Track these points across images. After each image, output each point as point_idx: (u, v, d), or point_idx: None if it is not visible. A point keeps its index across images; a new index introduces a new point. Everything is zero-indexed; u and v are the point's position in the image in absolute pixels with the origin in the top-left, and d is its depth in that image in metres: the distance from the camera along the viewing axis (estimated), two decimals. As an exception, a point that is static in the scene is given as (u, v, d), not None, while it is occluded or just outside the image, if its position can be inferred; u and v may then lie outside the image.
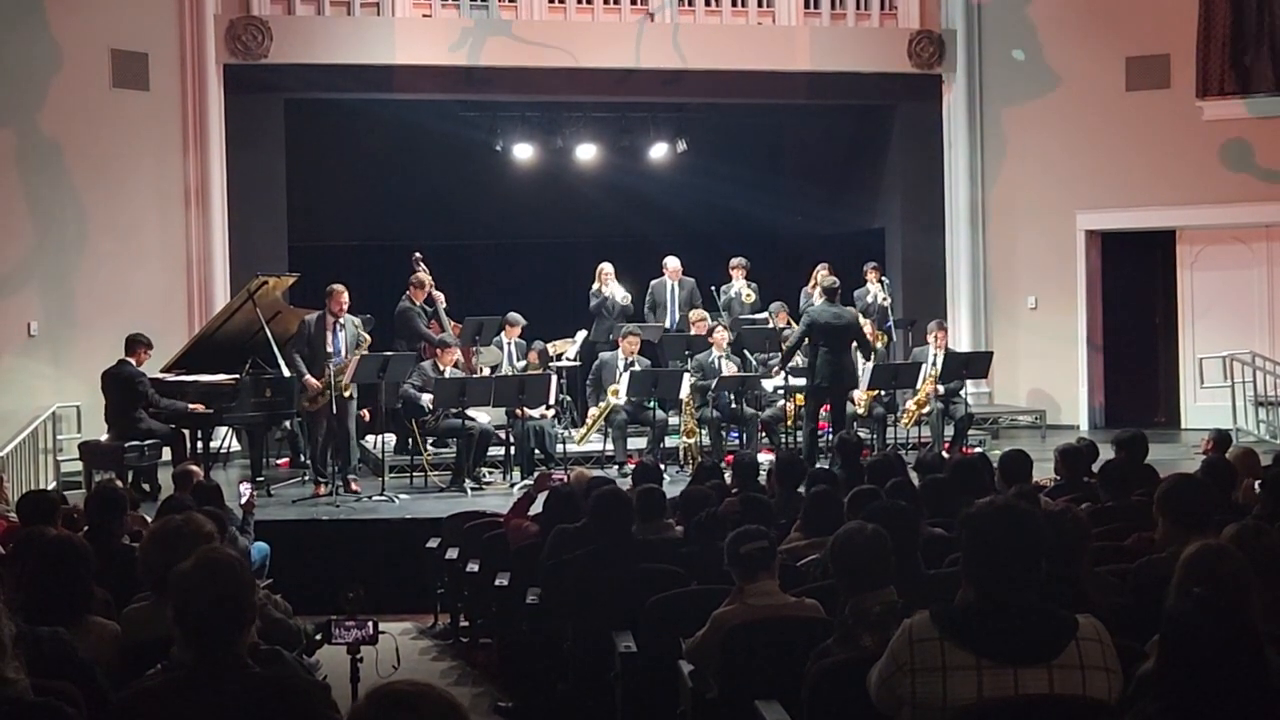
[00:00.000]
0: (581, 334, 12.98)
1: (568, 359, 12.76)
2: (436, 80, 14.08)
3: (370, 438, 11.88)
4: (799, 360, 11.24)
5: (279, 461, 12.32)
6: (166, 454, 10.64)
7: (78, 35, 12.39)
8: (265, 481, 10.80)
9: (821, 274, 12.57)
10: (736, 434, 11.83)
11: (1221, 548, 3.54)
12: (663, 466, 9.98)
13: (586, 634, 5.48)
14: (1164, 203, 14.06)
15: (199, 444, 10.80)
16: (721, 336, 12.13)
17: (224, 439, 12.09)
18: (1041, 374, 14.66)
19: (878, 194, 15.99)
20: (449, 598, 8.21)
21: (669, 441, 11.73)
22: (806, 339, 10.94)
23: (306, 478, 10.93)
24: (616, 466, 11.10)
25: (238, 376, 10.59)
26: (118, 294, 12.50)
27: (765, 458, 10.32)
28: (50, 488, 9.92)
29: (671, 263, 13.49)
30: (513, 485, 10.66)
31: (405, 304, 12.06)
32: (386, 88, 13.99)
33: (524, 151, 15.14)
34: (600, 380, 11.94)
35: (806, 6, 14.52)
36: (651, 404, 11.47)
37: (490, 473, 11.18)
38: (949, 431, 11.89)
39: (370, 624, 4.75)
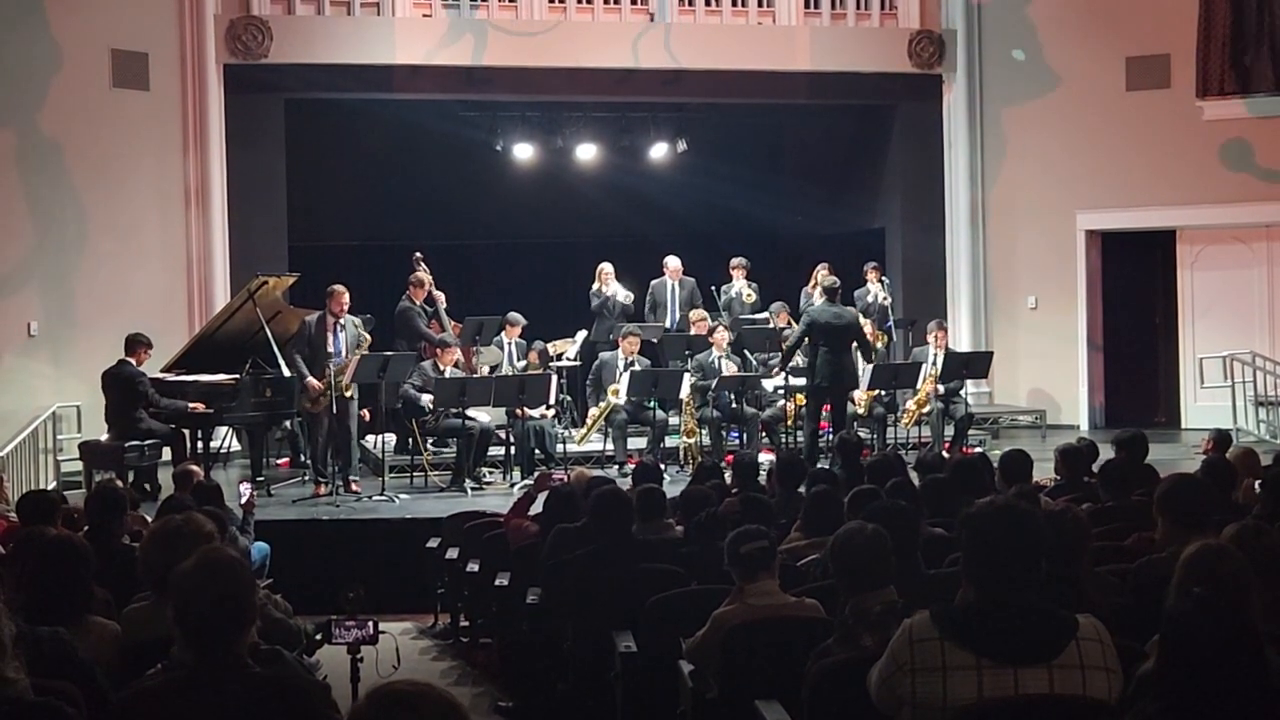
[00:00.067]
0: (582, 334, 12.98)
1: (568, 359, 12.75)
2: (436, 80, 14.07)
3: (370, 438, 11.87)
4: (799, 360, 11.24)
5: (279, 461, 12.32)
6: (167, 454, 10.65)
7: (78, 35, 12.38)
8: (265, 481, 10.80)
9: (822, 274, 12.57)
10: (737, 434, 11.82)
11: (1221, 548, 3.54)
12: (663, 466, 9.98)
13: (586, 634, 5.48)
14: (1164, 203, 14.06)
15: (199, 444, 10.80)
16: (722, 336, 12.12)
17: (224, 439, 12.09)
18: (1041, 374, 14.65)
19: (878, 194, 15.98)
20: (449, 598, 8.21)
21: (669, 441, 11.73)
22: (806, 339, 10.93)
23: (306, 478, 10.93)
24: (616, 466, 11.10)
25: (238, 376, 10.59)
26: (118, 294, 12.49)
27: (765, 458, 10.34)
28: (50, 488, 9.89)
29: (672, 262, 13.48)
30: (513, 485, 10.66)
31: (405, 304, 12.06)
32: (386, 88, 13.99)
33: (524, 151, 15.14)
34: (600, 380, 11.94)
35: (806, 6, 14.52)
36: (652, 404, 11.47)
37: (490, 473, 11.18)
38: (949, 431, 11.89)
39: (370, 624, 4.75)
